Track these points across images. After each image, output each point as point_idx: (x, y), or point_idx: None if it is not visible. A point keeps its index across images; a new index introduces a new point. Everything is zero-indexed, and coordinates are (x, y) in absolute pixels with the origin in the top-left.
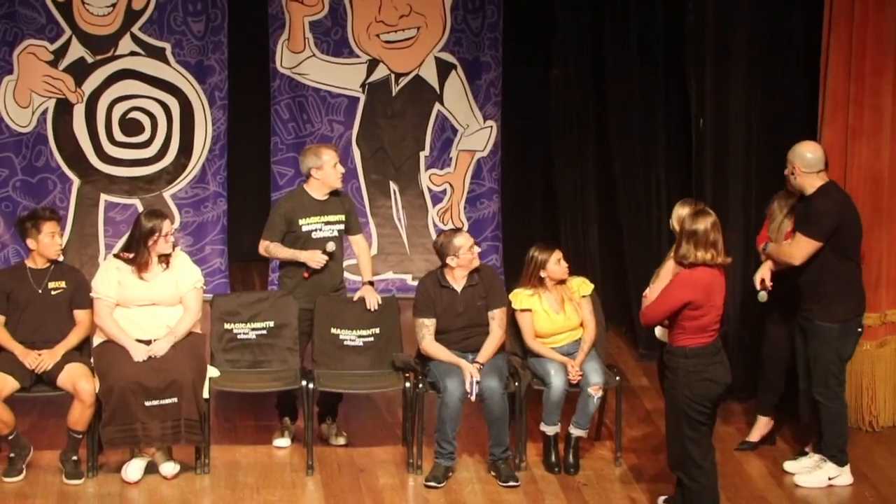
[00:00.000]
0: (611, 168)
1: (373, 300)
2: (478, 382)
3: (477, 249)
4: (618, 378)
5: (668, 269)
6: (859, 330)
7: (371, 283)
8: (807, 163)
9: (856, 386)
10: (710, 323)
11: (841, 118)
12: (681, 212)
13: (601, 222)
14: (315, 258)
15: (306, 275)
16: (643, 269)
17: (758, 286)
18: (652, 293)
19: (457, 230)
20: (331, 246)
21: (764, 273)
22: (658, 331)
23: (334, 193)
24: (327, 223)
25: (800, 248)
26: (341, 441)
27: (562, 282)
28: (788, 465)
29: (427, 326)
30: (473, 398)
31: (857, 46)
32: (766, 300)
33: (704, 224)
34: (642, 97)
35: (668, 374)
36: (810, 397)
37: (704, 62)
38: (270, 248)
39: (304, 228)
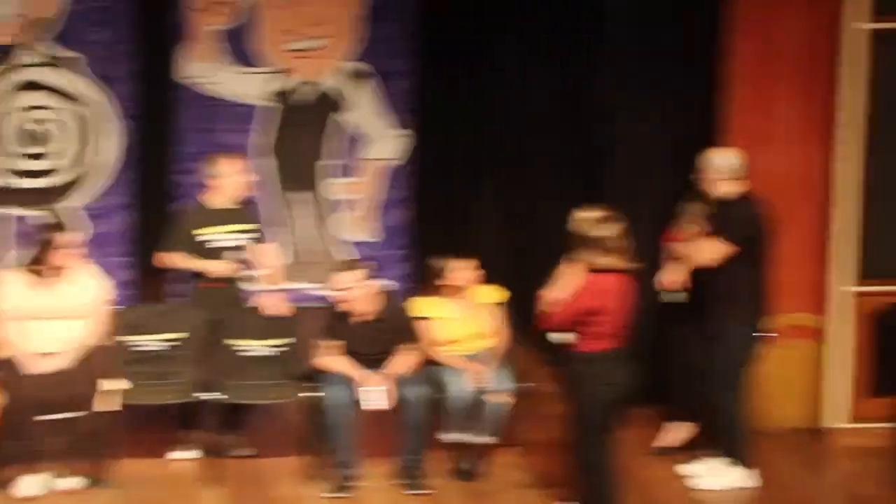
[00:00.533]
0: (519, 175)
1: (278, 306)
2: (370, 390)
3: (361, 290)
4: (523, 385)
5: (566, 272)
6: (763, 336)
7: (278, 291)
8: (728, 169)
9: (753, 388)
10: (612, 328)
11: (743, 124)
12: (585, 217)
13: (509, 230)
14: (214, 267)
15: (204, 285)
16: (548, 275)
17: (669, 287)
18: (549, 294)
19: (352, 262)
20: (237, 255)
21: (678, 274)
22: (555, 335)
23: (239, 203)
24: (230, 233)
25: (710, 253)
26: (247, 452)
27: (470, 290)
28: (688, 468)
29: (325, 347)
30: (367, 406)
31: (758, 53)
32: (685, 300)
33: (610, 230)
34: (549, 106)
35: (571, 380)
36: (714, 401)
37: (605, 69)
38: (174, 258)
39: (199, 238)
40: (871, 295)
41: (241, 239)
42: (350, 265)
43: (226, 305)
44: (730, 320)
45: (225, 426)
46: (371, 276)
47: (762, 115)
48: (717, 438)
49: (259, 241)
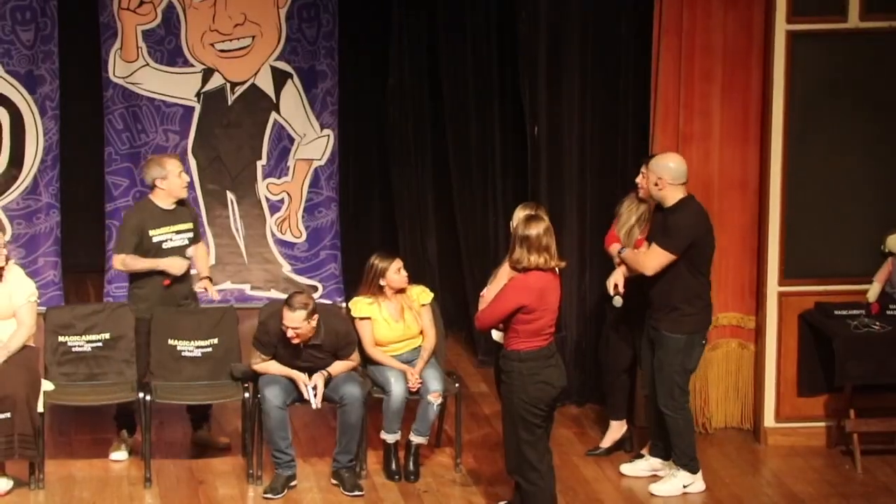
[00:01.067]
0: (448, 175)
1: (213, 290)
2: (314, 388)
3: (301, 327)
4: (457, 385)
5: (504, 272)
6: (704, 342)
7: (209, 279)
8: (673, 175)
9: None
10: (544, 326)
11: (672, 123)
12: (516, 216)
13: (439, 229)
14: (175, 265)
15: (167, 282)
16: (481, 274)
17: (611, 291)
18: (489, 294)
19: (300, 299)
20: (190, 251)
21: (617, 278)
22: (495, 333)
23: (180, 203)
24: (177, 232)
25: (654, 260)
26: (224, 442)
27: (401, 290)
28: (625, 468)
29: (261, 356)
30: (315, 406)
31: (685, 52)
32: (621, 305)
33: (537, 229)
34: (478, 104)
35: (504, 378)
36: (654, 405)
37: (537, 69)
38: (127, 260)
39: (155, 239)
40: (797, 295)
41: (188, 237)
42: (299, 304)
43: (174, 304)
44: (672, 327)
45: (196, 422)
46: (314, 308)
47: (692, 114)
48: (663, 443)
49: (196, 239)
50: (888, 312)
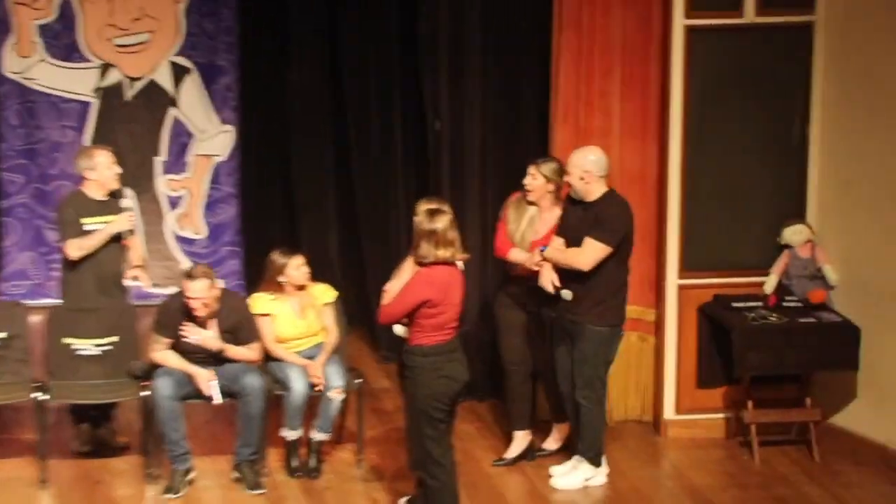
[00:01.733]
0: (349, 170)
1: (146, 279)
2: (211, 384)
3: (206, 297)
4: (359, 380)
5: (408, 266)
6: (621, 333)
7: (142, 268)
8: (599, 167)
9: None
10: (447, 321)
11: (572, 119)
12: (424, 209)
13: (341, 225)
14: (122, 220)
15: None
16: (383, 270)
17: (550, 288)
18: (392, 288)
19: (200, 269)
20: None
21: (551, 275)
22: (398, 328)
23: (112, 194)
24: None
25: (590, 255)
26: (123, 441)
27: (303, 287)
28: (554, 470)
29: (162, 342)
30: (217, 400)
31: (585, 49)
32: (571, 297)
33: (442, 222)
34: (379, 99)
35: (407, 374)
36: (573, 400)
37: (438, 65)
38: (81, 242)
39: (87, 227)
40: (696, 287)
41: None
42: (201, 273)
43: (106, 294)
44: (597, 319)
45: (97, 420)
46: (215, 279)
47: (592, 110)
48: (576, 435)
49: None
50: (785, 304)
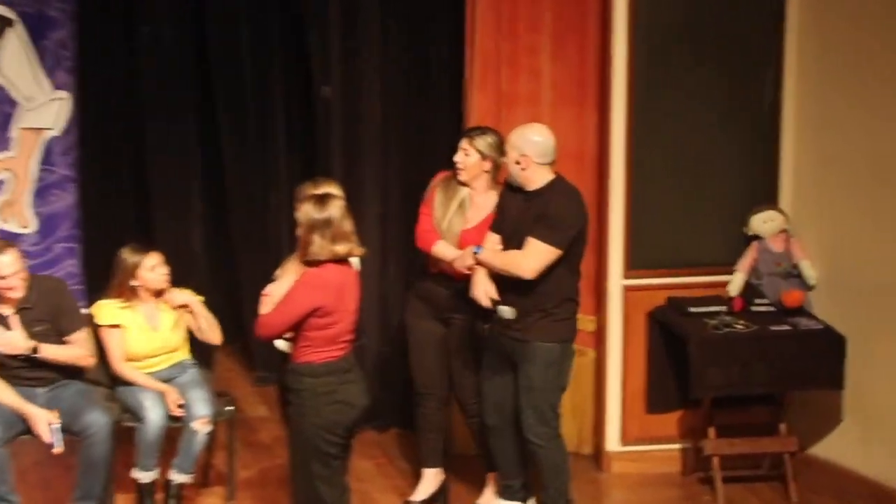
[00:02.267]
0: (218, 148)
1: None
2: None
3: (15, 272)
4: (230, 408)
5: (293, 265)
6: (573, 350)
7: None
8: (540, 151)
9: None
10: (341, 332)
11: (492, 82)
12: (310, 195)
13: (207, 215)
14: None
15: None
16: (261, 271)
17: (485, 302)
18: (275, 293)
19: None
20: None
21: (486, 285)
22: (280, 342)
23: None
24: None
25: (535, 259)
26: None
27: (160, 293)
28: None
29: None
30: (57, 449)
31: (504, 3)
32: (514, 316)
33: (333, 211)
34: (255, 60)
35: (292, 398)
36: (506, 436)
37: (328, 16)
38: None
39: None
40: (645, 289)
41: None
42: (3, 245)
43: None
44: (544, 334)
45: None
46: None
47: (517, 72)
48: (521, 482)
49: None
50: (753, 308)
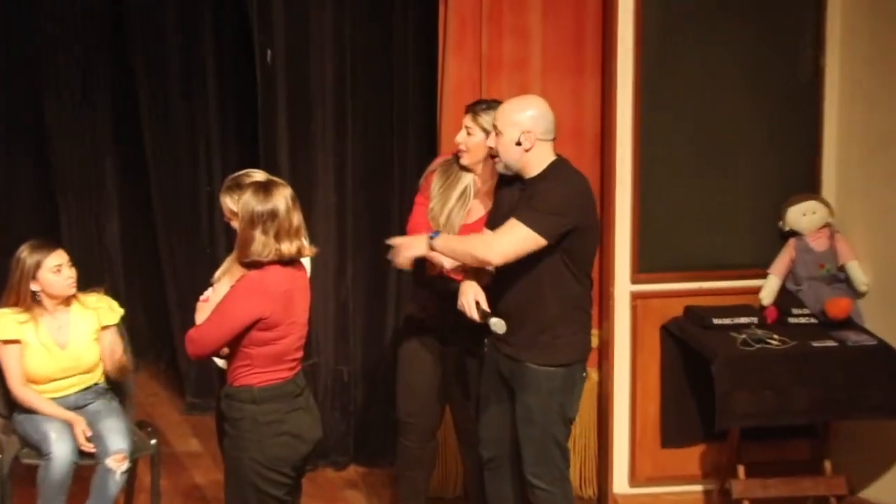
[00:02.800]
0: (138, 126)
1: None
2: None
3: None
4: (154, 441)
5: (232, 267)
6: (584, 375)
7: None
8: (545, 126)
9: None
10: (289, 349)
11: (471, 44)
12: (250, 183)
13: (125, 207)
14: None
15: None
16: (192, 275)
17: (474, 313)
18: (214, 299)
19: None
20: None
21: (475, 290)
22: (217, 360)
23: None
24: None
25: (509, 242)
26: None
27: (67, 300)
28: None
29: None
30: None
31: None
32: (504, 330)
33: (279, 202)
34: (183, 18)
35: (229, 429)
36: (504, 476)
37: None
38: None
39: None
40: (658, 296)
41: None
42: None
43: None
44: (544, 355)
45: None
46: None
47: (501, 32)
48: None
49: None
50: (791, 320)
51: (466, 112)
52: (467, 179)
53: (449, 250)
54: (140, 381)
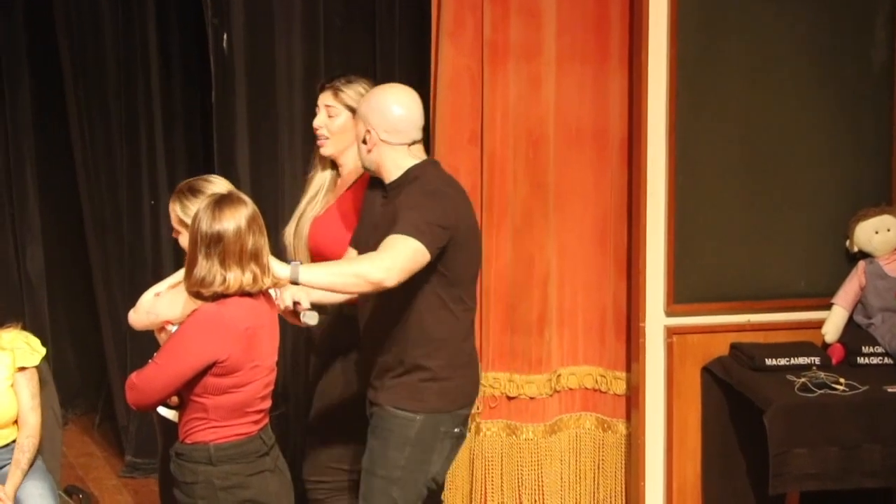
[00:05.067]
0: (65, 128)
1: None
2: None
3: None
4: None
5: (183, 299)
6: (458, 431)
7: None
8: (393, 126)
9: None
10: (252, 398)
11: (471, 28)
12: (204, 196)
13: (50, 226)
14: None
15: None
16: (130, 307)
17: (286, 301)
18: (162, 308)
19: None
20: None
21: (293, 291)
22: (163, 410)
23: None
24: None
25: (394, 257)
26: None
27: None
28: None
29: None
30: None
31: None
32: (316, 322)
33: (237, 220)
34: (123, 7)
35: (180, 496)
36: None
37: None
38: None
39: None
40: (697, 331)
41: None
42: None
43: None
44: (401, 397)
45: None
46: None
47: (507, 12)
48: None
49: None
50: (861, 361)
51: (323, 90)
52: (322, 179)
53: (324, 279)
54: (69, 437)
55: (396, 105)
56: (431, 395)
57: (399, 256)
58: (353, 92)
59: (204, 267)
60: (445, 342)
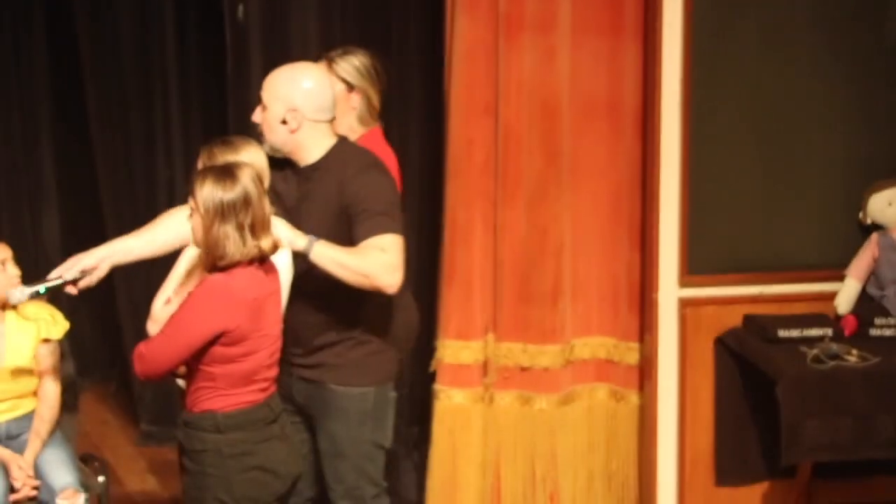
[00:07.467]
0: (82, 102)
1: None
2: None
3: None
4: (102, 478)
5: (191, 267)
6: (394, 394)
7: None
8: (319, 104)
9: (525, 475)
10: (260, 367)
11: (486, 1)
12: (212, 165)
13: (66, 198)
14: None
15: None
16: (146, 277)
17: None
18: (166, 310)
19: None
20: None
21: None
22: (182, 381)
23: None
24: None
25: (386, 259)
26: None
27: (2, 307)
28: None
29: None
30: None
31: None
32: (21, 299)
33: (242, 187)
34: None
35: (189, 464)
36: None
37: None
38: None
39: None
40: (711, 303)
41: None
42: None
43: None
44: (350, 375)
45: None
46: None
47: None
48: None
49: None
50: (873, 332)
51: (318, 61)
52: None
53: (329, 268)
54: (86, 405)
55: (315, 82)
56: (381, 366)
57: (401, 259)
58: (347, 65)
59: (225, 239)
60: (387, 313)
